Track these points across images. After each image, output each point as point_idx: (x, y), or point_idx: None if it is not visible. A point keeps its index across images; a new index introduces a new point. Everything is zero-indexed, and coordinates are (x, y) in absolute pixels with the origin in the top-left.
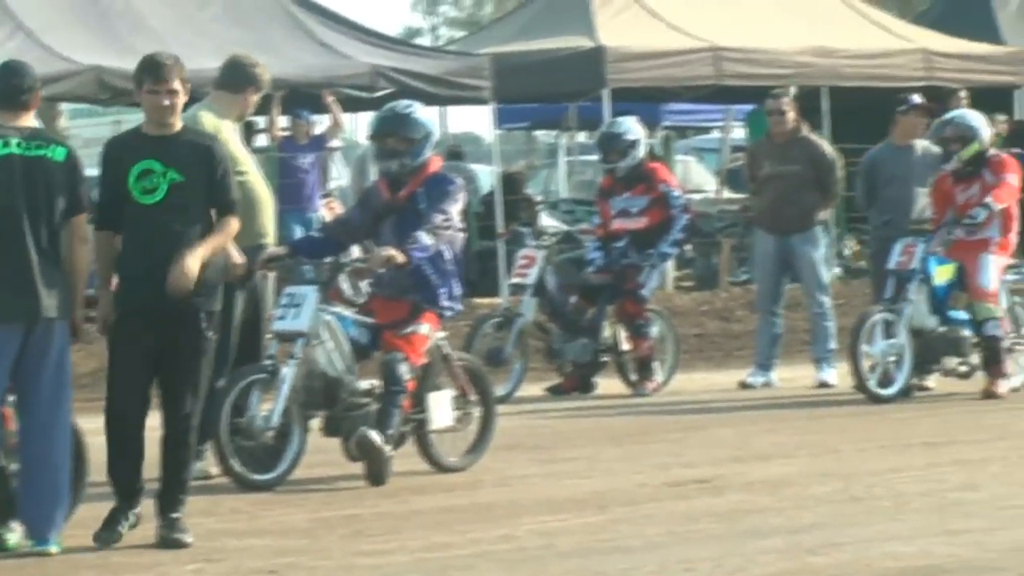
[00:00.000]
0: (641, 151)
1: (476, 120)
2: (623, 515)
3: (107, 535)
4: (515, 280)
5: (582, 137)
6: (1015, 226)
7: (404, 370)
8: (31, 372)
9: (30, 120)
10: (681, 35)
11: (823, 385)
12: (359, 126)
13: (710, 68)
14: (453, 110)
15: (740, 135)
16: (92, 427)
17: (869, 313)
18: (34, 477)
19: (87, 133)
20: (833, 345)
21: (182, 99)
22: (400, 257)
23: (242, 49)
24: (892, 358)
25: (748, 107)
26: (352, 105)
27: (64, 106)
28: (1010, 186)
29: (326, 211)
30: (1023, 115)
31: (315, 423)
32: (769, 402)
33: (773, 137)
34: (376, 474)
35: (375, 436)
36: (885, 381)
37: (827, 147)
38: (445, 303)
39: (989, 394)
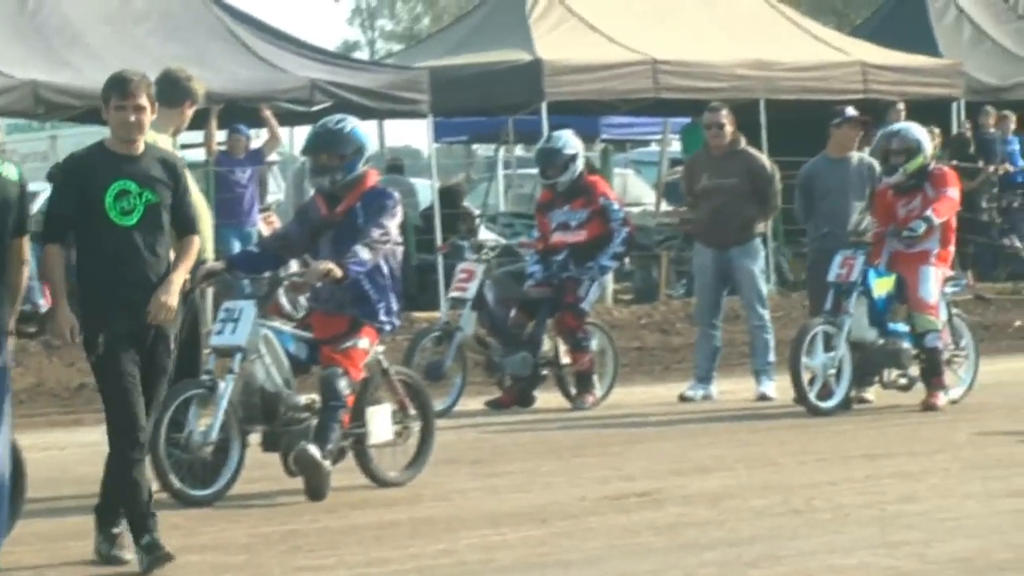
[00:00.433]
0: (580, 165)
1: (414, 134)
2: (563, 529)
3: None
4: (454, 294)
5: (520, 150)
6: (954, 238)
7: (343, 385)
8: None
9: None
10: (619, 48)
11: (763, 398)
12: (296, 140)
13: (648, 81)
14: (391, 124)
15: (678, 148)
16: (27, 443)
17: (809, 326)
18: None
19: (24, 148)
20: (772, 358)
21: (149, 116)
22: (338, 271)
23: (179, 63)
24: (832, 371)
25: (686, 120)
26: (289, 119)
27: (0, 121)
28: (950, 199)
29: (264, 225)
30: (961, 127)
31: (254, 438)
32: (709, 415)
33: (711, 150)
34: (315, 489)
35: (314, 451)
36: (825, 394)
37: (765, 160)
38: (383, 317)
39: (929, 406)
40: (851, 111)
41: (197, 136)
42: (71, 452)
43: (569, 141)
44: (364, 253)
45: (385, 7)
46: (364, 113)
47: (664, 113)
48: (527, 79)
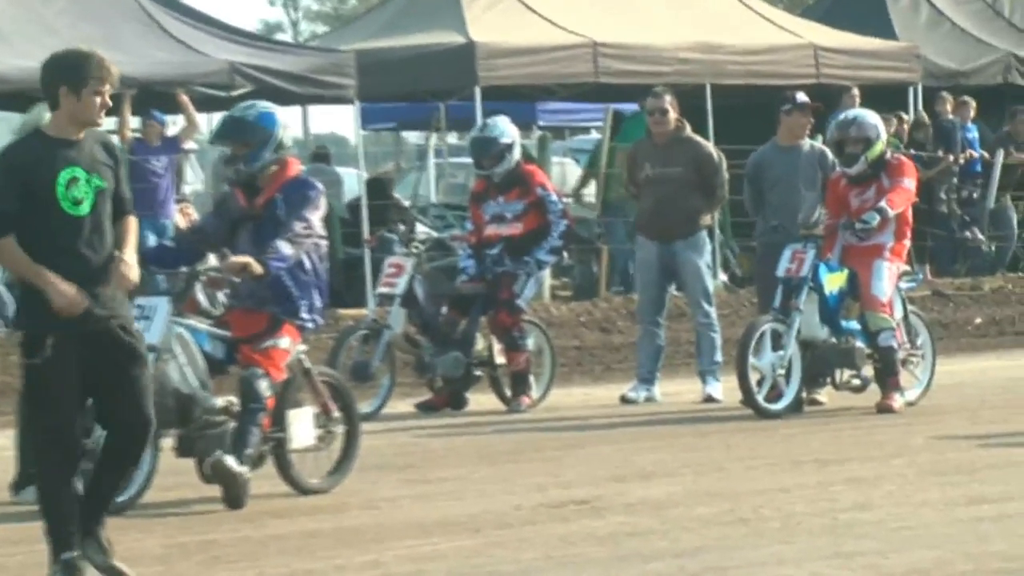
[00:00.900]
0: (516, 154)
1: (340, 120)
2: (497, 539)
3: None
4: (383, 290)
5: (453, 138)
6: (910, 231)
7: (263, 386)
8: None
9: None
10: (557, 30)
11: (709, 400)
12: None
13: (588, 65)
14: (316, 110)
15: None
16: None
17: (757, 324)
18: None
19: None
20: (719, 357)
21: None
22: (256, 267)
23: (90, 46)
24: (781, 371)
25: (632, 106)
26: (208, 105)
27: None
28: (906, 190)
29: (180, 217)
30: (917, 114)
31: (167, 442)
32: (652, 418)
33: (654, 138)
34: (234, 498)
35: (231, 461)
36: (774, 395)
37: (711, 148)
38: (305, 315)
39: (883, 408)
40: (802, 97)
41: (109, 123)
42: None
43: (505, 129)
44: (285, 248)
45: None
46: (287, 98)
47: (605, 99)
48: (460, 62)
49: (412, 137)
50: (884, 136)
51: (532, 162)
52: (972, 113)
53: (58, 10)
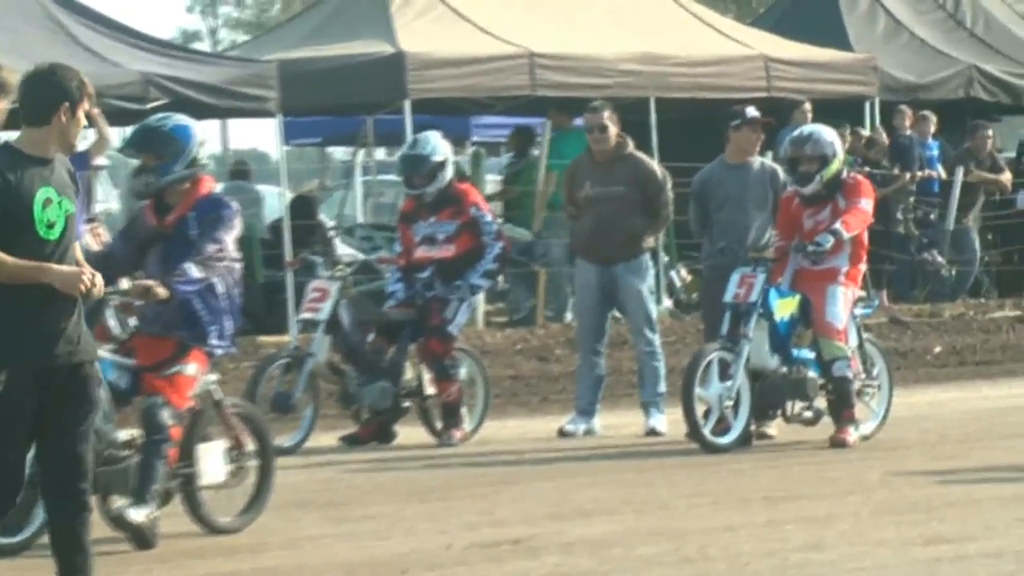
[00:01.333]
0: (449, 172)
1: (262, 135)
2: None
3: None
4: (305, 315)
5: (381, 154)
6: (866, 255)
7: (166, 416)
8: None
9: None
10: (492, 39)
11: (652, 433)
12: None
13: (524, 77)
14: (235, 124)
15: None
16: None
17: (704, 352)
18: None
19: None
20: (663, 388)
21: None
22: (161, 291)
23: None
24: (729, 402)
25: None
26: (121, 118)
27: None
28: (862, 211)
29: (91, 238)
30: (874, 130)
31: None
32: (591, 452)
33: (594, 155)
34: (142, 542)
35: (132, 514)
36: (721, 428)
37: (655, 165)
38: (215, 341)
39: (837, 443)
40: (752, 111)
41: (12, 136)
42: None
43: (437, 146)
44: (194, 271)
45: None
46: (204, 111)
47: (542, 113)
48: (388, 74)
49: (338, 153)
50: (841, 155)
51: (466, 180)
52: (933, 128)
53: None
